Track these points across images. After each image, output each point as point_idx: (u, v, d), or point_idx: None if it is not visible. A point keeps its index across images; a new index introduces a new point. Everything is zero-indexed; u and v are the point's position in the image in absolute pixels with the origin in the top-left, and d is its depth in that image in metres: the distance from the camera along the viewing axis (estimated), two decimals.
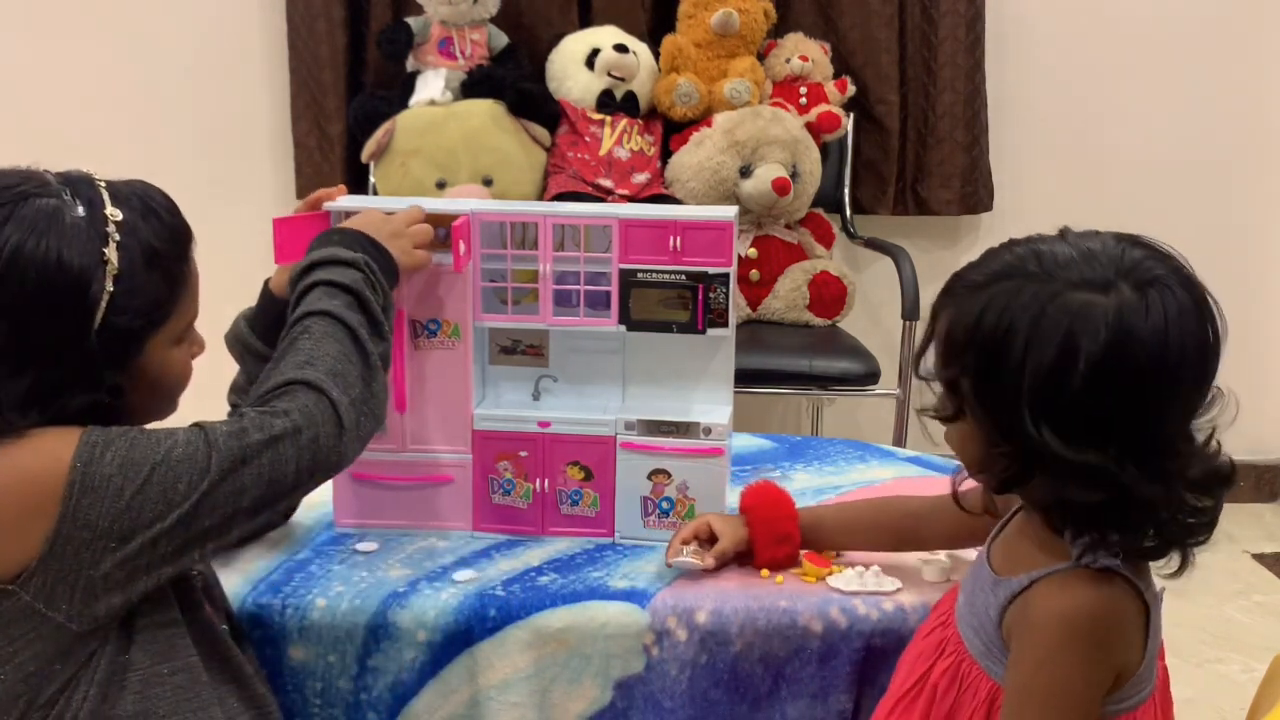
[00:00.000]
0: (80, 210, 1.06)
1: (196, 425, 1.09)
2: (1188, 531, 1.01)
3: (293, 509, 1.45)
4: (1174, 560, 1.02)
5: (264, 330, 1.38)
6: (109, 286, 1.06)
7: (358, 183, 2.82)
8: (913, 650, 1.19)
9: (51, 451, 1.03)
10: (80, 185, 1.09)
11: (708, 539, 1.38)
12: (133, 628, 1.08)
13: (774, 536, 1.37)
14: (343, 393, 1.13)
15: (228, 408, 1.39)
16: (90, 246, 1.05)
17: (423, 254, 1.36)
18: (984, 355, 1.00)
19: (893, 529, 1.39)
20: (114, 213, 1.08)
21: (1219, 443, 1.02)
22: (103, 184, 1.10)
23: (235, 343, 1.39)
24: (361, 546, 1.44)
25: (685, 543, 1.38)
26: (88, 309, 1.05)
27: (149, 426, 1.10)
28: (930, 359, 1.08)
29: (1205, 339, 0.99)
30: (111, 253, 1.06)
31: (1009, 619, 1.06)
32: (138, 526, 1.03)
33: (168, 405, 1.18)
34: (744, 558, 1.39)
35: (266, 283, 1.39)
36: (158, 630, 1.10)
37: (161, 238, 1.11)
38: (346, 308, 1.20)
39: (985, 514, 1.19)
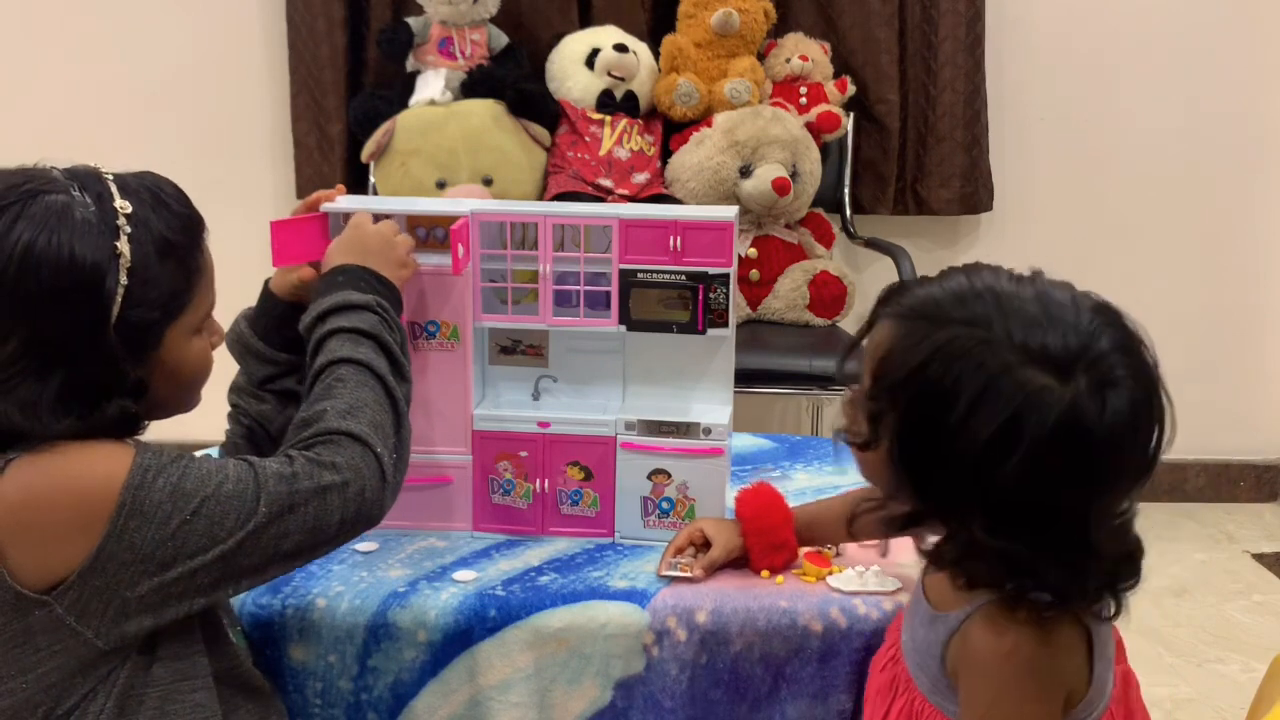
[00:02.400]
0: (90, 205, 1.05)
1: (246, 462, 1.09)
2: (1111, 584, 0.97)
3: None
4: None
5: (264, 331, 1.38)
6: (123, 280, 1.05)
7: (358, 183, 2.82)
8: (873, 684, 1.18)
9: (105, 469, 1.03)
10: (88, 180, 1.08)
11: (702, 545, 1.38)
12: (155, 645, 1.09)
13: (769, 545, 1.37)
14: (383, 445, 1.14)
15: (228, 407, 1.40)
16: (102, 241, 1.05)
17: (411, 259, 1.37)
18: (919, 405, 0.94)
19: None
20: (124, 205, 1.07)
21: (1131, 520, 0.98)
22: (110, 177, 1.10)
23: (235, 343, 1.39)
24: (361, 546, 1.44)
25: (679, 551, 1.38)
26: (104, 303, 1.05)
27: (188, 441, 1.10)
28: (857, 367, 1.02)
29: (1151, 440, 0.94)
30: (124, 246, 1.06)
31: (951, 656, 1.03)
32: (179, 556, 1.04)
33: (190, 397, 1.18)
34: (741, 561, 1.39)
35: (267, 283, 1.39)
36: (179, 648, 1.10)
37: (173, 228, 1.10)
38: (373, 353, 1.21)
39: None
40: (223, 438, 1.41)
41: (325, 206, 1.41)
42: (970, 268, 1.01)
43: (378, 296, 1.26)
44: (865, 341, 1.04)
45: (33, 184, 1.06)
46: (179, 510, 1.04)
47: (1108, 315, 0.95)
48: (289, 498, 1.07)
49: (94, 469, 1.04)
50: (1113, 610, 0.98)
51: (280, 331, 1.37)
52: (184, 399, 1.17)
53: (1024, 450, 0.90)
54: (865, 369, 1.01)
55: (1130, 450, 0.92)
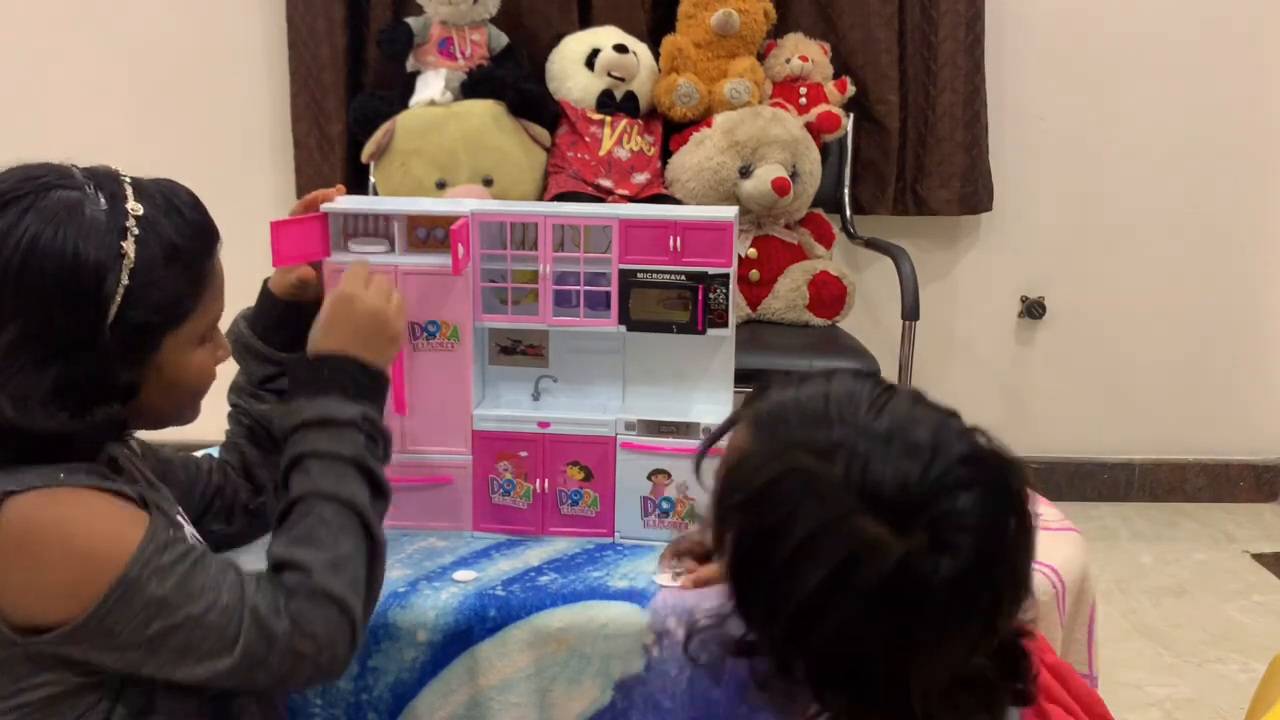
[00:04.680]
0: (102, 203, 1.05)
1: (240, 591, 1.05)
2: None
3: None
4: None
5: (263, 330, 1.38)
6: (124, 280, 1.05)
7: (358, 183, 2.82)
8: None
9: (109, 548, 1.02)
10: (105, 180, 1.08)
11: (702, 555, 1.38)
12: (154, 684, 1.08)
13: None
14: (358, 604, 1.10)
15: (228, 408, 1.40)
16: (108, 240, 1.04)
17: (403, 328, 1.32)
18: (751, 538, 0.88)
19: None
20: (135, 207, 1.07)
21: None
22: (127, 180, 1.10)
23: (235, 343, 1.38)
24: None
25: (679, 555, 1.37)
26: (102, 302, 1.04)
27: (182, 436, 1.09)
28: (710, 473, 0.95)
29: (990, 603, 0.86)
30: (129, 246, 1.05)
31: None
32: (144, 663, 1.04)
33: (189, 409, 1.17)
34: None
35: (266, 283, 1.39)
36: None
37: (183, 234, 1.10)
38: (356, 484, 1.15)
39: None
40: (223, 438, 1.41)
41: (325, 206, 1.41)
42: (835, 377, 0.93)
43: (364, 406, 1.20)
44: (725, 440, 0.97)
45: (48, 179, 1.06)
46: (160, 620, 1.02)
47: (972, 465, 0.86)
48: (264, 656, 1.05)
49: (98, 542, 1.02)
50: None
51: (279, 331, 1.37)
52: (182, 410, 1.16)
53: (844, 603, 0.84)
54: (717, 473, 0.94)
55: (959, 615, 0.85)
